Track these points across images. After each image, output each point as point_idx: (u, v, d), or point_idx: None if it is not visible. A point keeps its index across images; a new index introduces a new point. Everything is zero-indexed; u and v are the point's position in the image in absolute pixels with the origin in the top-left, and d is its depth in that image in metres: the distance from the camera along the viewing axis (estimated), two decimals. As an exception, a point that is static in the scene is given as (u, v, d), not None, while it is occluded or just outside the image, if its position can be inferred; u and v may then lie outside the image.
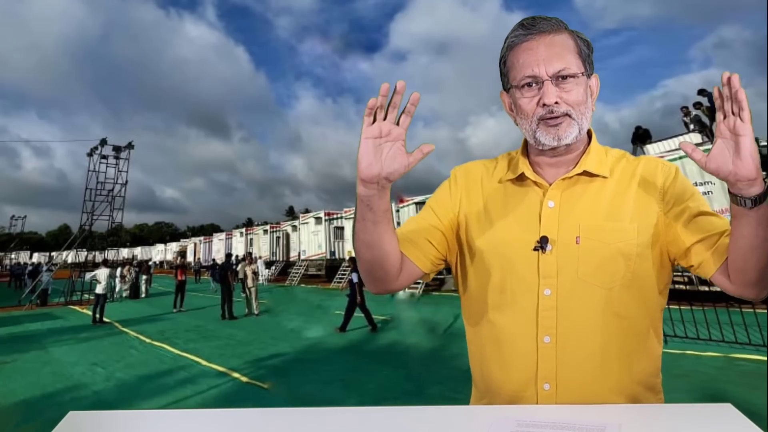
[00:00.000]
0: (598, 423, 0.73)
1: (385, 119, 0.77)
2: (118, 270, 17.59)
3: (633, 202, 0.89)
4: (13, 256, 52.24)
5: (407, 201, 16.16)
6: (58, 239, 73.89)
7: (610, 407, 0.80)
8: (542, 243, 0.88)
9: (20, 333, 9.74)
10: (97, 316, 10.81)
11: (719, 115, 0.72)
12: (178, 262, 20.21)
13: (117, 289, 16.81)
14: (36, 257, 56.11)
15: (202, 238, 36.91)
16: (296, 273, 21.35)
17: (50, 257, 38.32)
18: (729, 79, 0.69)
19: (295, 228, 23.58)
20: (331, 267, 19.99)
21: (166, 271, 35.97)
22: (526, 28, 0.89)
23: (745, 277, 0.78)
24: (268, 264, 24.45)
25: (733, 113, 0.70)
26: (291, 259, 23.63)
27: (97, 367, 6.28)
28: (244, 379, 5.36)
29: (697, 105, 12.59)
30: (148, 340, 8.25)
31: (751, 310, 6.28)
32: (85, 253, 20.27)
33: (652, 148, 13.31)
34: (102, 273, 11.51)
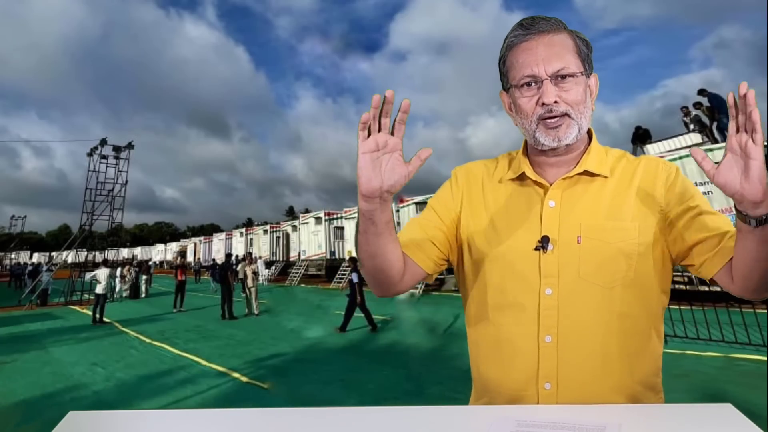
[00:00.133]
0: (598, 423, 0.73)
1: (379, 131, 0.77)
2: (118, 270, 17.59)
3: (634, 202, 0.89)
4: (13, 256, 52.25)
5: (407, 201, 16.17)
6: (58, 239, 73.90)
7: (610, 407, 0.80)
8: (543, 243, 0.88)
9: (20, 333, 9.74)
10: (97, 316, 10.81)
11: (732, 127, 0.70)
12: (178, 262, 20.21)
13: (117, 289, 16.81)
14: (36, 257, 56.12)
15: (202, 238, 36.91)
16: (296, 273, 21.35)
17: (50, 257, 38.33)
18: (746, 94, 0.67)
19: (295, 228, 23.58)
20: (331, 267, 19.98)
21: (166, 271, 35.98)
22: (525, 28, 0.89)
23: (749, 282, 0.79)
24: (268, 264, 24.45)
25: (746, 130, 0.69)
26: (291, 259, 23.63)
27: (97, 367, 6.28)
28: (244, 379, 5.36)
29: (697, 105, 12.58)
30: (148, 340, 8.25)
31: (751, 310, 6.28)
32: (85, 253, 20.27)
33: (652, 148, 13.31)
34: (102, 273, 11.51)
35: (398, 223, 16.33)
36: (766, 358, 5.11)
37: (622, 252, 0.86)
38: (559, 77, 0.86)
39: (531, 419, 0.76)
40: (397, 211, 16.55)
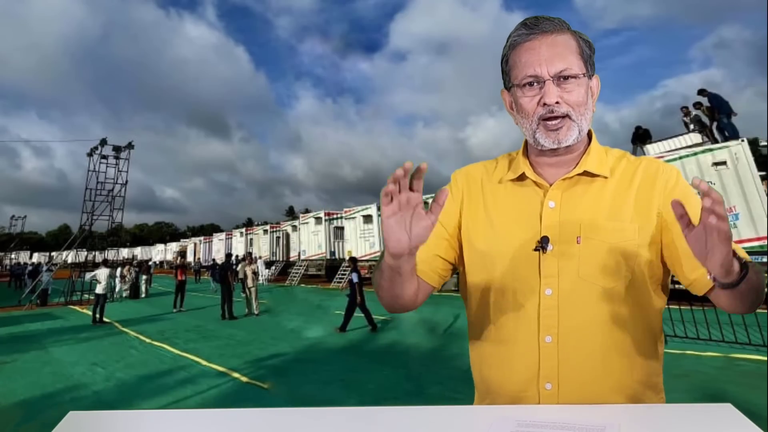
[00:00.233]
0: (598, 423, 0.73)
1: (399, 192, 0.77)
2: (118, 270, 17.59)
3: (633, 203, 0.89)
4: (13, 256, 52.24)
5: (407, 201, 16.15)
6: (58, 239, 73.92)
7: (610, 407, 0.80)
8: (543, 243, 0.88)
9: (20, 333, 9.74)
10: (97, 316, 10.81)
11: (706, 201, 0.64)
12: (178, 262, 20.22)
13: (117, 289, 16.81)
14: (36, 257, 56.17)
15: (202, 238, 36.92)
16: (296, 273, 21.35)
17: (50, 257, 38.33)
18: (707, 192, 0.63)
19: (295, 228, 23.58)
20: (331, 267, 19.98)
21: (166, 271, 35.98)
22: (529, 28, 0.89)
23: (735, 310, 0.83)
24: (268, 264, 24.45)
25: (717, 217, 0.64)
26: (291, 259, 23.62)
27: (97, 367, 6.28)
28: (244, 379, 5.36)
29: (697, 105, 12.58)
30: (148, 340, 8.25)
31: (751, 310, 6.28)
32: (85, 253, 20.26)
33: (652, 148, 13.32)
34: (102, 273, 11.51)
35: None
36: (766, 358, 5.11)
37: (621, 252, 0.86)
38: (561, 78, 0.86)
39: (531, 419, 0.76)
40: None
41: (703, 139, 12.10)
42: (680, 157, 9.67)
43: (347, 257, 15.15)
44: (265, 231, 26.60)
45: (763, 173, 9.65)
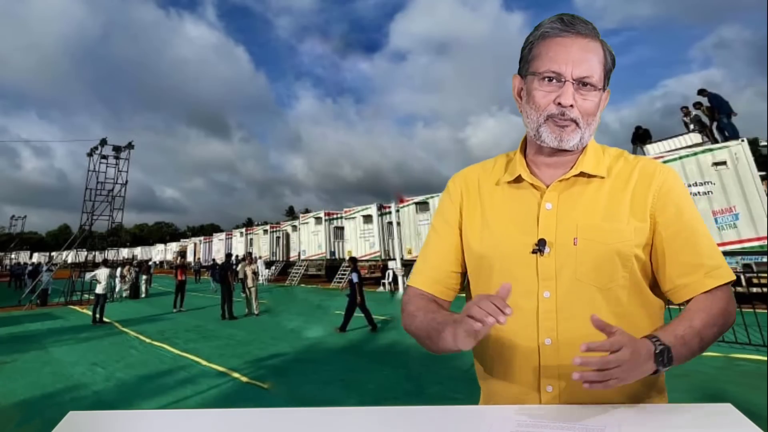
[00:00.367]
0: (598, 423, 0.73)
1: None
2: (118, 270, 17.59)
3: (629, 203, 0.89)
4: (13, 256, 52.23)
5: (407, 201, 16.16)
6: (58, 239, 73.91)
7: (610, 407, 0.80)
8: (540, 245, 0.88)
9: (20, 333, 9.74)
10: (97, 316, 10.81)
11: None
12: (178, 262, 20.21)
13: (117, 289, 16.81)
14: (36, 257, 56.15)
15: (202, 238, 36.87)
16: (296, 273, 21.34)
17: (50, 257, 38.32)
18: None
19: (295, 228, 23.57)
20: (331, 267, 19.97)
21: (166, 271, 35.96)
22: (565, 24, 0.87)
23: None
24: (268, 264, 24.44)
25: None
26: (291, 259, 23.61)
27: (97, 367, 6.28)
28: (244, 379, 5.36)
29: (697, 105, 12.58)
30: (148, 340, 8.24)
31: (751, 310, 6.27)
32: (85, 253, 20.24)
33: (652, 148, 13.31)
34: (102, 273, 11.50)
35: (398, 224, 16.33)
36: (766, 358, 5.10)
37: (618, 253, 0.86)
38: (581, 83, 0.86)
39: (531, 419, 0.76)
40: (397, 211, 16.55)
41: (703, 139, 12.09)
42: (680, 157, 9.66)
43: (347, 257, 15.15)
44: (265, 231, 26.58)
45: (763, 173, 9.65)
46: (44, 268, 18.18)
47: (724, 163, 9.01)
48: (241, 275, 11.86)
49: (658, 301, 0.92)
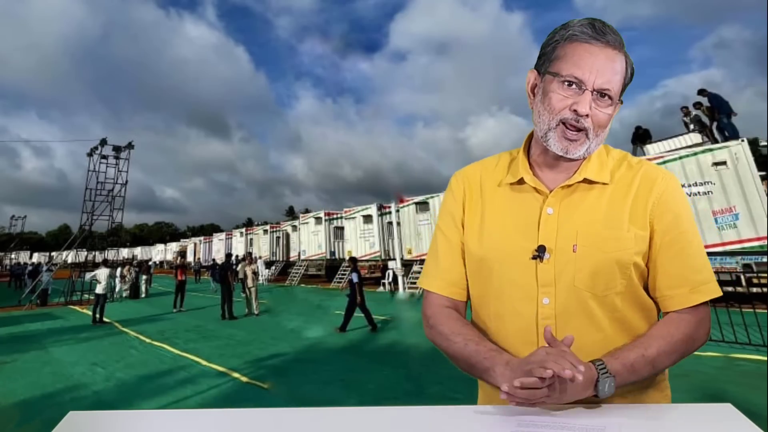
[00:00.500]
0: (598, 423, 0.73)
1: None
2: (118, 270, 17.59)
3: (630, 210, 0.89)
4: (13, 256, 52.24)
5: (407, 201, 16.16)
6: (58, 239, 73.92)
7: (610, 407, 0.80)
8: (540, 252, 0.88)
9: (20, 333, 9.74)
10: (97, 316, 10.81)
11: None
12: (178, 262, 20.22)
13: (117, 289, 16.81)
14: (36, 257, 56.17)
15: (202, 238, 36.87)
16: (296, 273, 21.35)
17: (50, 257, 38.32)
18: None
19: (295, 228, 23.57)
20: (331, 267, 19.98)
21: (166, 271, 35.97)
22: (596, 31, 0.85)
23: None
24: (268, 264, 24.44)
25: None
26: (291, 259, 23.62)
27: (97, 367, 6.28)
28: (244, 379, 5.36)
29: (697, 105, 12.58)
30: (148, 340, 8.24)
31: (751, 310, 6.28)
32: (85, 253, 20.24)
33: (652, 148, 13.31)
34: (102, 273, 11.50)
35: (398, 224, 16.33)
36: (766, 358, 5.11)
37: (617, 262, 0.86)
38: (600, 94, 0.85)
39: (531, 419, 0.76)
40: (397, 211, 16.55)
41: (703, 139, 12.09)
42: (680, 157, 9.66)
43: (347, 257, 15.15)
44: (265, 231, 26.58)
45: (763, 173, 9.65)
46: (44, 268, 18.18)
47: (724, 163, 9.01)
48: (241, 275, 11.87)
49: (654, 302, 0.92)
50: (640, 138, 14.31)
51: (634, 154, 10.01)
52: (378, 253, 17.59)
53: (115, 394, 5.01)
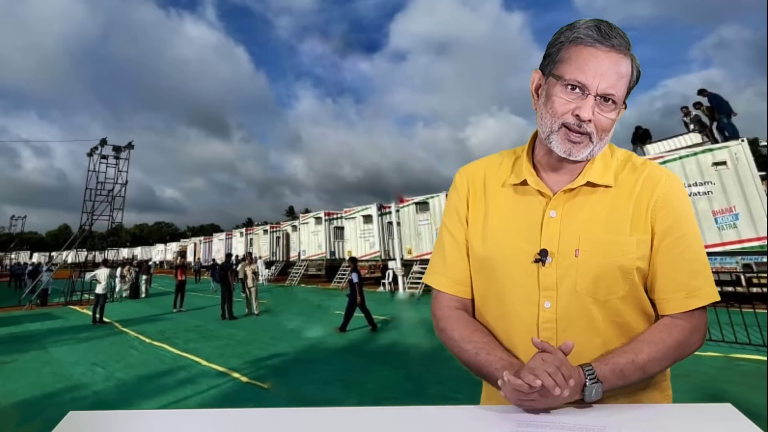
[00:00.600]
0: (598, 423, 0.73)
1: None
2: (118, 270, 17.58)
3: (632, 214, 0.88)
4: (13, 256, 52.22)
5: (407, 201, 16.15)
6: (58, 239, 73.92)
7: (610, 407, 0.80)
8: (542, 256, 0.88)
9: (20, 333, 9.74)
10: (97, 316, 10.81)
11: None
12: (178, 262, 20.22)
13: (117, 289, 16.80)
14: (36, 257, 56.14)
15: (202, 238, 36.87)
16: (296, 273, 21.34)
17: (50, 257, 38.31)
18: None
19: (295, 228, 23.57)
20: (331, 267, 19.97)
21: (166, 271, 35.96)
22: (602, 35, 0.84)
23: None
24: (268, 264, 24.44)
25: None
26: (291, 259, 23.61)
27: (97, 367, 6.28)
28: (244, 379, 5.36)
29: (697, 105, 12.58)
30: (148, 340, 8.24)
31: (751, 310, 6.28)
32: (85, 253, 20.25)
33: (652, 148, 13.31)
34: (102, 273, 11.50)
35: (398, 224, 16.33)
36: (766, 358, 5.10)
37: (619, 267, 0.86)
38: (603, 98, 0.84)
39: (531, 419, 0.76)
40: (397, 211, 16.54)
41: (703, 139, 12.09)
42: (680, 157, 9.66)
43: (347, 257, 15.14)
44: (265, 231, 26.57)
45: (763, 173, 9.65)
46: (44, 268, 18.18)
47: (724, 163, 9.01)
48: (241, 275, 11.86)
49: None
50: (640, 138, 14.30)
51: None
52: (378, 253, 17.58)
53: (115, 394, 5.01)
